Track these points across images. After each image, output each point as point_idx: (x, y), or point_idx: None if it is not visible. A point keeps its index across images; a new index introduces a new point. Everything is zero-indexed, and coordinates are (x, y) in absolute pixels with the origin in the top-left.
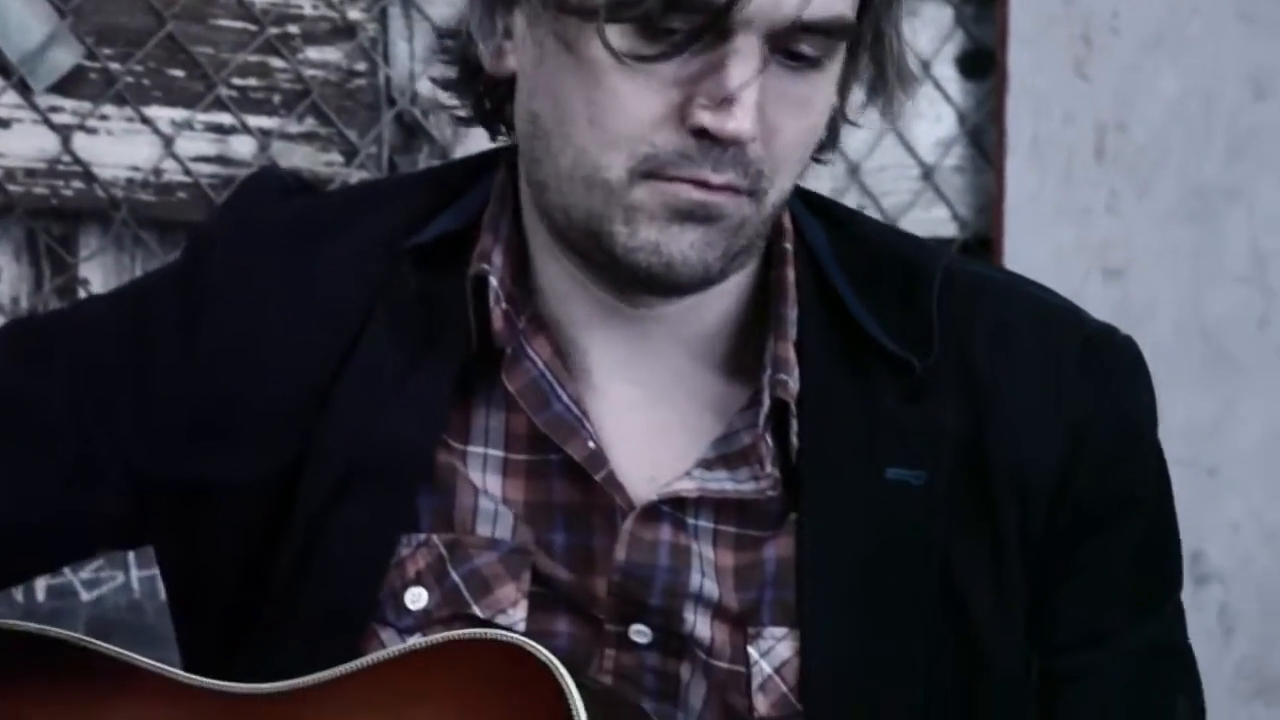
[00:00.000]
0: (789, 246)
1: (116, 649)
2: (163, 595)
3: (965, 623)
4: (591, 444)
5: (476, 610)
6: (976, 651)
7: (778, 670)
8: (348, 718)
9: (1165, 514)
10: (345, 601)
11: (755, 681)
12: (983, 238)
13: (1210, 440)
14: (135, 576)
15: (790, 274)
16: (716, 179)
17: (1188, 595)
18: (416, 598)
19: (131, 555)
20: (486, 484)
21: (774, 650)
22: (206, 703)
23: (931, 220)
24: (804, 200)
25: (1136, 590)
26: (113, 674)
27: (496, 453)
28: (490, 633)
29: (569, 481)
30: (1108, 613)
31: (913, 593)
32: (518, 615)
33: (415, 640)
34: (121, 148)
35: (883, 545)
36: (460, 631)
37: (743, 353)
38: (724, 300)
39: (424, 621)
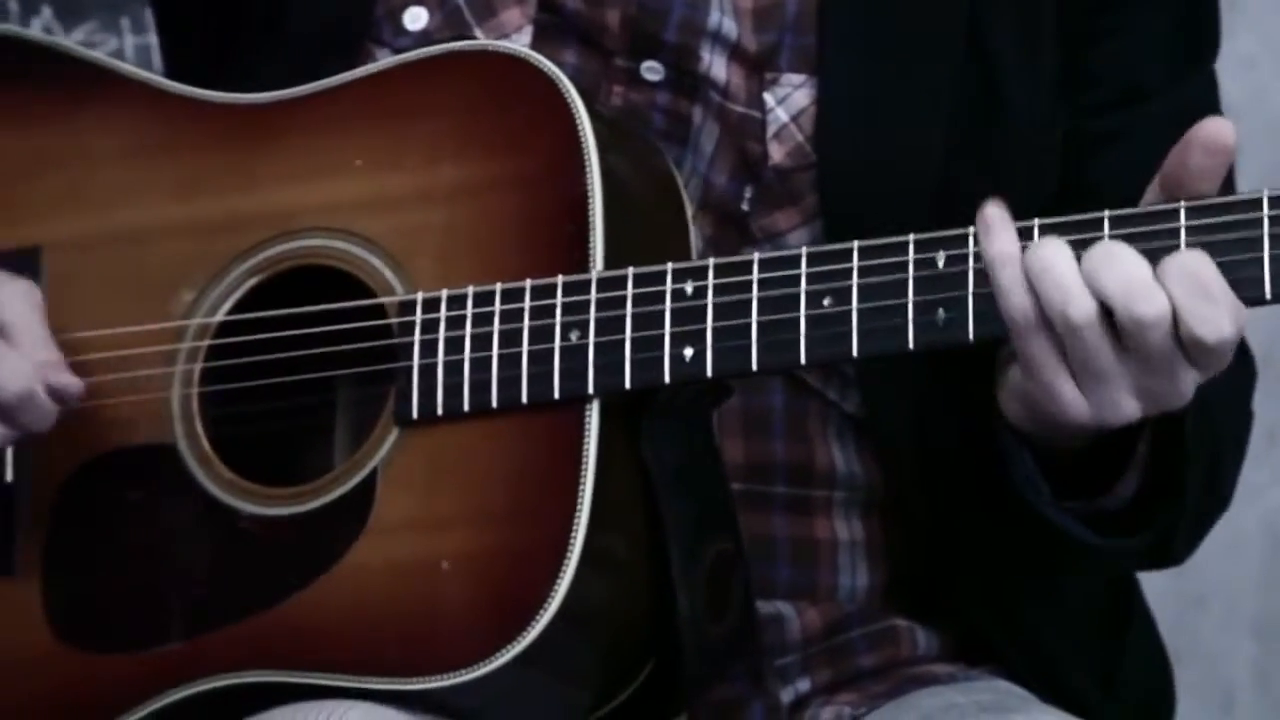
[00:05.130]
0: None
1: (97, 54)
2: (156, 62)
3: (990, 70)
4: None
5: (479, 33)
6: (999, 100)
7: (794, 118)
8: (338, 129)
9: None
10: (338, 16)
11: (771, 129)
12: None
13: None
14: (130, 44)
15: None
16: None
17: None
18: (415, 17)
19: (126, 20)
20: None
21: (791, 97)
22: (189, 110)
23: None
24: None
25: (1175, 48)
26: (92, 79)
27: None
28: (493, 44)
29: None
30: (1146, 70)
31: (938, 38)
32: (522, 42)
33: (413, 53)
34: None
35: None
36: (461, 43)
37: None
38: None
39: (422, 43)
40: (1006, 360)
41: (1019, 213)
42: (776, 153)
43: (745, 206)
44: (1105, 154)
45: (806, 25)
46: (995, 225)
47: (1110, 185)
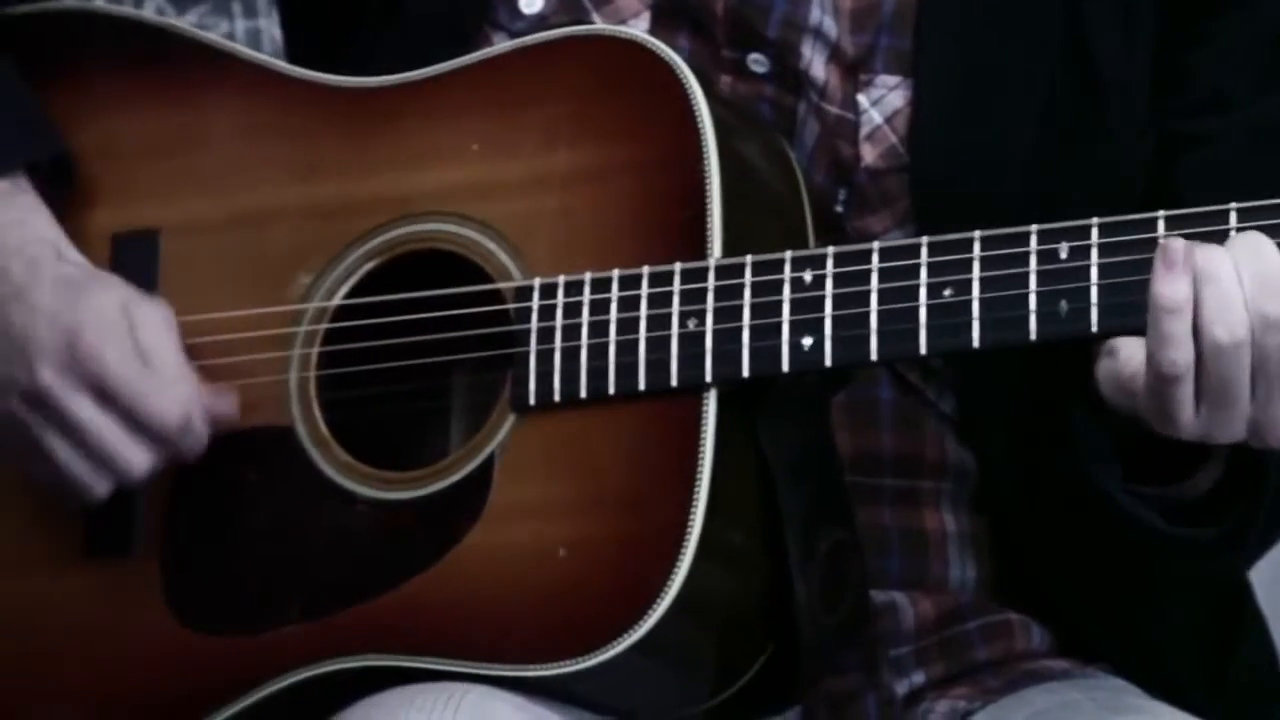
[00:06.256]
0: None
1: (216, 37)
2: (266, 46)
3: (1089, 70)
4: None
5: (596, 18)
6: (1098, 101)
7: (888, 120)
8: (455, 114)
9: None
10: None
11: (864, 130)
12: None
13: None
14: (240, 27)
15: None
16: None
17: None
18: (531, 1)
19: (237, 5)
20: None
21: (885, 99)
22: (307, 93)
23: None
24: None
25: (1269, 61)
26: (211, 62)
27: None
28: (611, 30)
29: None
30: (1235, 79)
31: (1036, 40)
32: (639, 27)
33: (530, 37)
34: None
35: None
36: (579, 28)
37: None
38: None
39: (538, 27)
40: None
41: (1113, 215)
42: (869, 154)
43: (839, 208)
44: (1187, 157)
45: (903, 27)
46: (1178, 264)
47: (1191, 189)
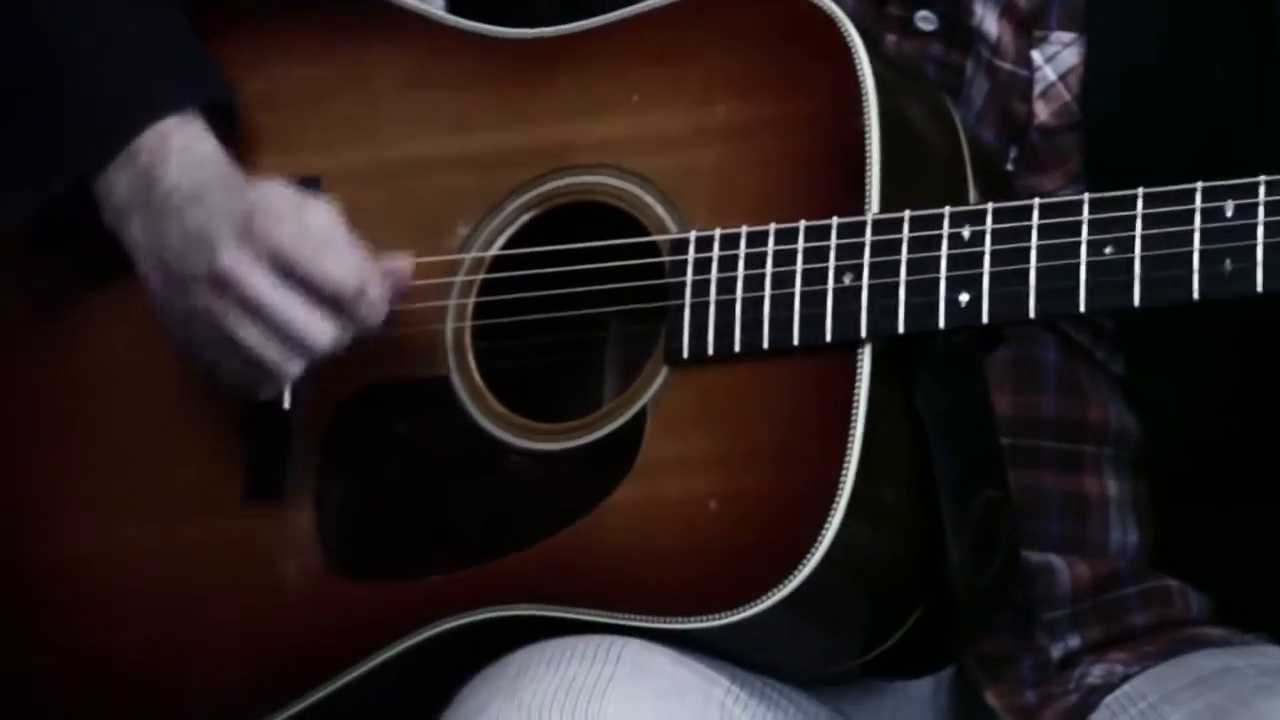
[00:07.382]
0: None
1: None
2: None
3: (1272, 24)
4: None
5: None
6: None
7: (1062, 77)
8: (614, 66)
9: None
10: None
11: (1038, 87)
12: None
13: None
14: None
15: None
16: None
17: None
18: None
19: None
20: None
21: (1059, 56)
22: (466, 44)
23: None
24: None
25: None
26: (370, 11)
27: None
28: None
29: None
30: None
31: (1214, 2)
32: None
33: None
34: None
35: None
36: None
37: None
38: None
39: None
40: None
41: None
42: (1042, 112)
43: (1010, 166)
44: None
45: None
46: None
47: None
